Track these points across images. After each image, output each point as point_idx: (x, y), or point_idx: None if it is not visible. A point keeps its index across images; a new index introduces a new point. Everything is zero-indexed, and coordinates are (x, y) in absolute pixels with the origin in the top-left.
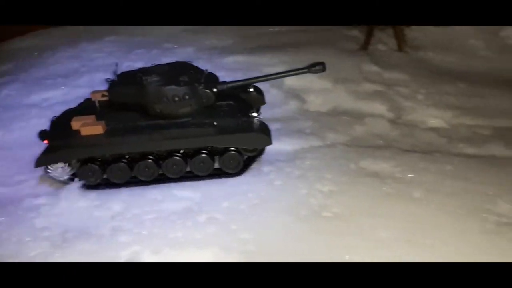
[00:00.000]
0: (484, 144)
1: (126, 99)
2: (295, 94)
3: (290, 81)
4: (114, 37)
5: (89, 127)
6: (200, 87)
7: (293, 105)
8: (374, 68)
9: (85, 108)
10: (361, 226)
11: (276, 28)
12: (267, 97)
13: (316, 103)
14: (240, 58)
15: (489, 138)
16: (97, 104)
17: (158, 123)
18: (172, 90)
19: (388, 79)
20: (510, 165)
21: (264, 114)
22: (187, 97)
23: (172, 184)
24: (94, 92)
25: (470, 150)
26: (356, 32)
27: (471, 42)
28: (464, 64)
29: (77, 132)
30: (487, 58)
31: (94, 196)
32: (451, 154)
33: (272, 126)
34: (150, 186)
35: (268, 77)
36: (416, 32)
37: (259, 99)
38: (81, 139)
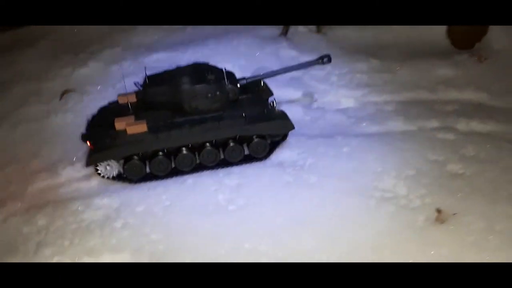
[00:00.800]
0: (386, 121)
1: (161, 99)
2: None
3: None
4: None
5: (134, 126)
6: (227, 84)
7: None
8: (293, 53)
9: (115, 109)
10: (262, 215)
11: None
12: None
13: None
14: (163, 56)
15: (391, 114)
16: (130, 106)
17: (193, 118)
18: (204, 88)
19: None
20: (404, 139)
21: None
22: (218, 93)
23: (93, 194)
24: (121, 95)
25: (372, 128)
26: None
27: None
28: (379, 39)
29: (123, 131)
30: (399, 30)
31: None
32: (351, 135)
33: None
34: (71, 198)
35: (280, 72)
36: None
37: (268, 91)
38: (128, 137)
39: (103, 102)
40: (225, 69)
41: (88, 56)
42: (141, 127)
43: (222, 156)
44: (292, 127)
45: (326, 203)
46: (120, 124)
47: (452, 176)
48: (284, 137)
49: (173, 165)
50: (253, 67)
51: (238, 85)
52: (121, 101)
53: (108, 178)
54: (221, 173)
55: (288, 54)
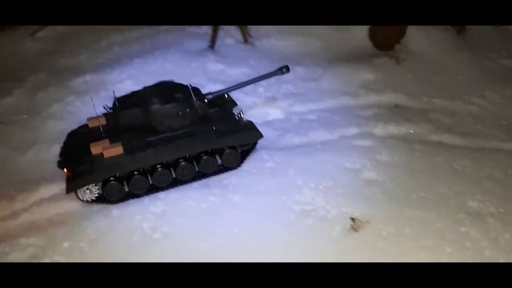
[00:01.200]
0: (308, 132)
1: (133, 121)
2: None
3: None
4: None
5: (110, 150)
6: (195, 100)
7: None
8: (220, 66)
9: (86, 133)
10: (185, 242)
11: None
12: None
13: None
14: (88, 77)
15: (313, 124)
16: (101, 129)
17: (166, 136)
18: (174, 107)
19: (233, 76)
20: (324, 150)
21: None
22: (187, 110)
23: (19, 233)
24: (90, 118)
25: (295, 140)
26: (206, 28)
27: None
28: (304, 46)
29: (100, 155)
30: (325, 36)
31: None
32: (276, 149)
33: None
34: None
35: (243, 84)
36: None
37: (232, 102)
38: (105, 161)
39: (30, 133)
40: (190, 86)
41: (11, 84)
42: (117, 150)
43: (196, 169)
44: (261, 136)
45: (248, 222)
46: (96, 149)
47: (367, 183)
48: (253, 145)
49: (150, 182)
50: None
51: (206, 100)
52: (91, 124)
53: (87, 201)
54: (147, 200)
55: (216, 68)
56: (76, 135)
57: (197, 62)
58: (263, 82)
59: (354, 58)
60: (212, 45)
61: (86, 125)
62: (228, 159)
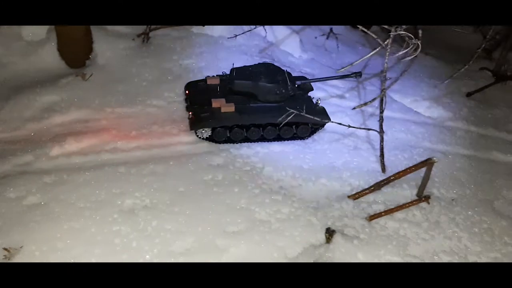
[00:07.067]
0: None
1: (243, 89)
2: None
3: None
4: None
5: (226, 107)
6: (289, 84)
7: None
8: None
9: (205, 87)
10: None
11: None
12: None
13: None
14: None
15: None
16: (218, 88)
17: (265, 105)
18: (275, 86)
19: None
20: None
21: None
22: (283, 90)
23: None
24: (209, 77)
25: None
26: None
27: None
28: None
29: (218, 109)
30: (16, 64)
31: None
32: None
33: None
34: None
35: (323, 79)
36: None
37: (310, 87)
38: (221, 114)
39: None
40: (286, 71)
41: None
42: (231, 108)
43: (278, 133)
44: (329, 120)
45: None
46: (216, 104)
47: (29, 208)
48: (322, 126)
49: (245, 135)
50: None
51: (296, 85)
52: (209, 81)
53: (201, 138)
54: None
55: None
56: (196, 87)
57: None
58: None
59: (39, 82)
60: None
61: (202, 80)
62: (302, 131)
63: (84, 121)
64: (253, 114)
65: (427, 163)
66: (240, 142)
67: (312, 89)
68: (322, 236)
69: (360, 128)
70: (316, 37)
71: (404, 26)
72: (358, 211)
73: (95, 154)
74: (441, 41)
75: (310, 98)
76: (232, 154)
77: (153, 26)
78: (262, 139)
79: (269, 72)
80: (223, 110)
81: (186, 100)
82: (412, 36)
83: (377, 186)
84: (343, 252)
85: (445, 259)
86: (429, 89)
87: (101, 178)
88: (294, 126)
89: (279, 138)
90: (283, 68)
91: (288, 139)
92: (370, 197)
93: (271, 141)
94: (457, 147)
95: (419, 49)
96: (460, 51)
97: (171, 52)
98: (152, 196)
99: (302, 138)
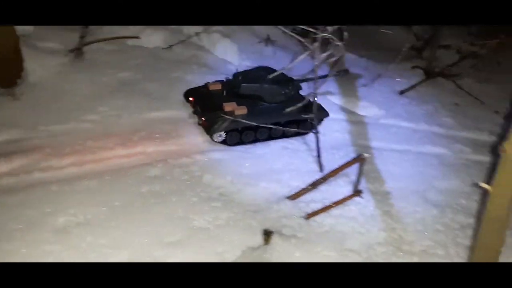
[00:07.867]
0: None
1: (250, 92)
2: None
3: None
4: None
5: (239, 110)
6: (290, 84)
7: None
8: None
9: (207, 93)
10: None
11: None
12: None
13: None
14: None
15: None
16: (223, 93)
17: (271, 106)
18: (280, 87)
19: None
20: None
21: None
22: (287, 90)
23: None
24: (210, 83)
25: None
26: None
27: None
28: None
29: (231, 112)
30: None
31: None
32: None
33: None
34: None
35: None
36: None
37: (300, 87)
38: (236, 116)
39: None
40: (284, 74)
41: None
42: (243, 110)
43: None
44: (327, 115)
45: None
46: (228, 107)
47: None
48: (320, 121)
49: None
50: None
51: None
52: (212, 87)
53: (217, 142)
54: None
55: None
56: (199, 93)
57: None
58: None
59: None
60: None
61: (203, 86)
62: (304, 126)
63: (15, 141)
64: (264, 114)
65: (359, 159)
66: (250, 143)
67: (301, 88)
68: (260, 238)
69: (295, 131)
70: (258, 42)
71: (329, 29)
72: (296, 210)
73: (27, 174)
74: (375, 43)
75: (303, 97)
76: (170, 164)
77: (85, 41)
78: (270, 138)
79: (270, 74)
80: (236, 112)
81: (193, 106)
82: (335, 38)
83: (314, 185)
84: (280, 252)
85: (380, 250)
86: (363, 89)
87: (33, 197)
88: (296, 124)
89: (283, 135)
90: (277, 70)
91: (291, 136)
92: (308, 196)
93: (277, 139)
94: (391, 143)
95: (343, 51)
96: (392, 51)
97: (106, 65)
98: (86, 212)
99: (304, 133)
